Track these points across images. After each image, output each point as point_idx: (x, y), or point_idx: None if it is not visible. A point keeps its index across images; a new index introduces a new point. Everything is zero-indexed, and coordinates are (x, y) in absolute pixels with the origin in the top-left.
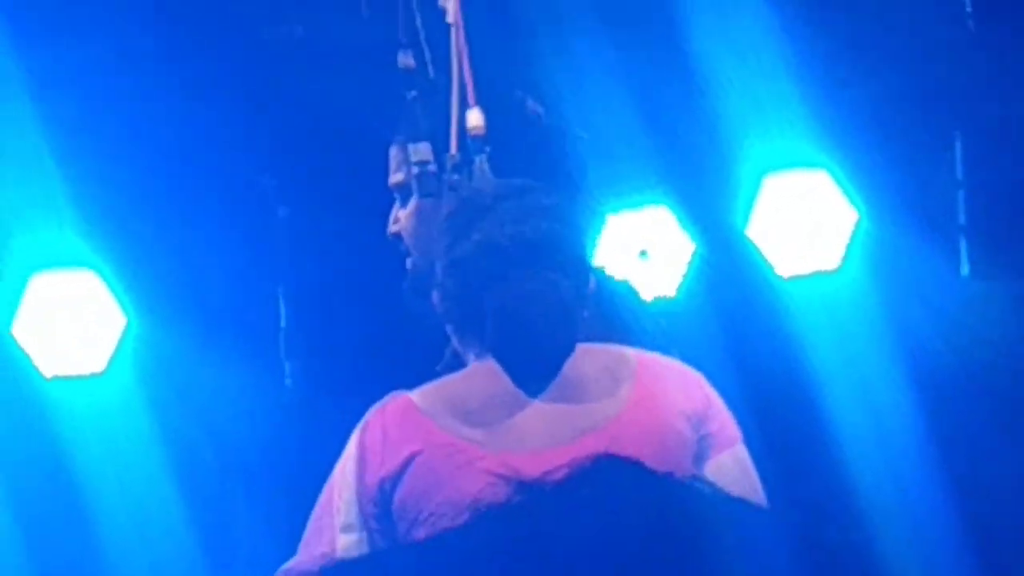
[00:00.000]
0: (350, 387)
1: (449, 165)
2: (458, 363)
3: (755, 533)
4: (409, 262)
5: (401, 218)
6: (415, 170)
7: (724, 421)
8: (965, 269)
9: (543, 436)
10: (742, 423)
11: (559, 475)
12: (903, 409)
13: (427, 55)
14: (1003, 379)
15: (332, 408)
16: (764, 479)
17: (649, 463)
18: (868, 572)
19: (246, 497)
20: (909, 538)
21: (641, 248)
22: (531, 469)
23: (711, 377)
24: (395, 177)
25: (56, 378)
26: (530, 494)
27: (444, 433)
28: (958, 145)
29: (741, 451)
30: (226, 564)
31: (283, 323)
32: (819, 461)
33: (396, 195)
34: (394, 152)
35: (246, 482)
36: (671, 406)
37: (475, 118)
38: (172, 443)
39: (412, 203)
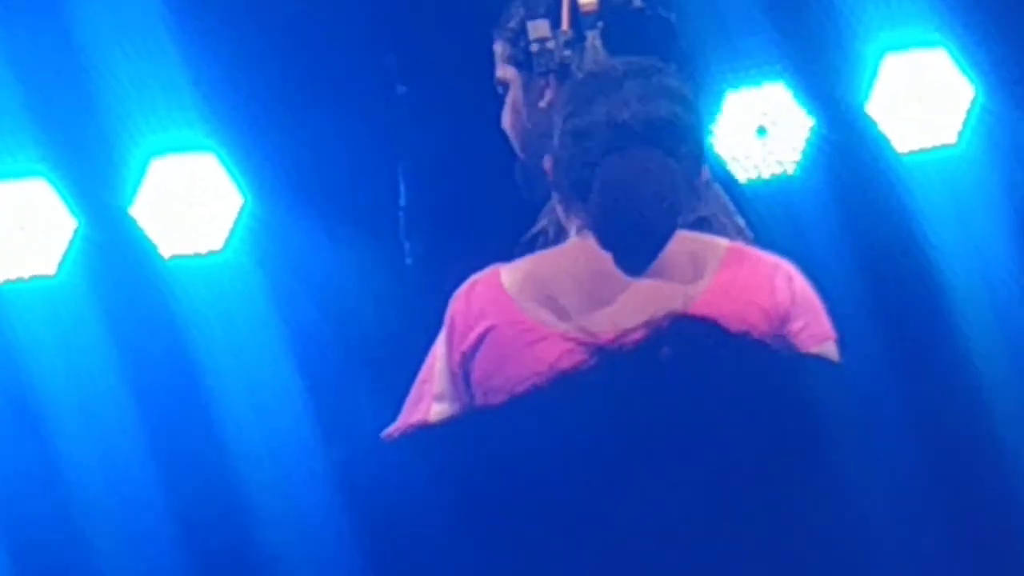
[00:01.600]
0: (470, 266)
1: (562, 41)
2: (543, 240)
3: (833, 391)
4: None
5: (506, 114)
6: (534, 47)
7: (810, 320)
8: None
9: (620, 314)
10: (858, 300)
11: (636, 335)
12: (1020, 280)
13: None
14: None
15: (453, 288)
16: (883, 354)
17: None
18: (968, 446)
19: (367, 378)
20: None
21: (759, 124)
22: (606, 334)
23: (826, 255)
24: (502, 71)
25: (175, 257)
26: (606, 356)
27: (521, 312)
28: None
29: (831, 348)
30: (347, 442)
31: (402, 202)
32: (935, 335)
33: (500, 90)
34: (499, 48)
35: (367, 362)
36: (750, 300)
37: None
38: (290, 323)
39: (512, 96)
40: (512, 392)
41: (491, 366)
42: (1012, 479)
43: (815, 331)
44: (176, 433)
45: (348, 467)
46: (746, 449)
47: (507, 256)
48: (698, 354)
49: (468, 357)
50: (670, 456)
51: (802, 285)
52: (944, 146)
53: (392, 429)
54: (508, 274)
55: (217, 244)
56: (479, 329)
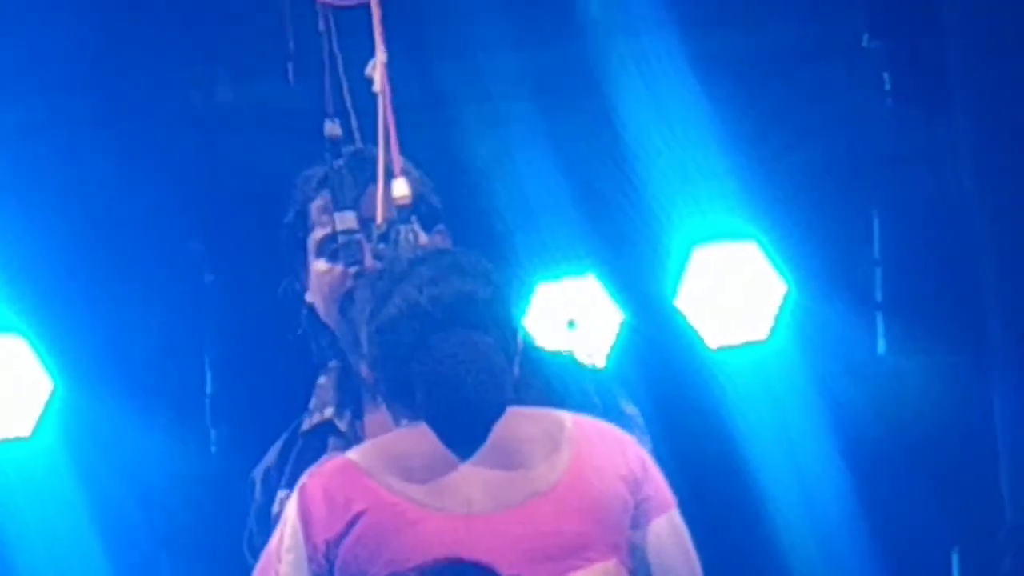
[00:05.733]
0: None
1: (375, 235)
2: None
3: None
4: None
5: (311, 283)
6: (341, 239)
7: (659, 485)
8: (882, 346)
9: (489, 499)
10: (674, 492)
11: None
12: (829, 475)
13: (354, 124)
14: (926, 450)
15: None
16: (698, 546)
17: (593, 527)
18: None
19: (171, 562)
20: None
21: (570, 318)
22: (470, 537)
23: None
24: (319, 233)
25: None
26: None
27: (388, 492)
28: (876, 223)
29: (676, 516)
30: None
31: (208, 390)
32: (749, 527)
33: (312, 252)
34: (317, 207)
35: (171, 547)
36: (610, 470)
37: (400, 188)
38: (99, 507)
39: (317, 267)
40: (396, 573)
41: (366, 552)
42: None
43: (665, 496)
44: None
45: None
46: None
47: None
48: None
49: (333, 546)
50: None
51: (644, 451)
52: (755, 342)
53: None
54: (360, 457)
55: (26, 431)
56: (350, 514)
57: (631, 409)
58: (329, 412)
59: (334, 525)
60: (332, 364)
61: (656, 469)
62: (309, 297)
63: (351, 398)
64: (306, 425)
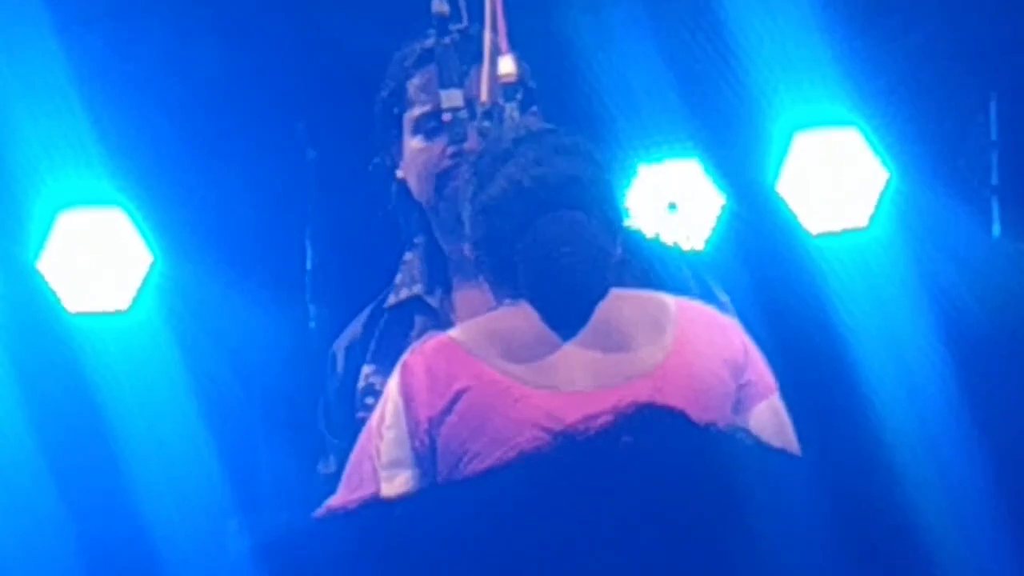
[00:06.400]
0: None
1: (479, 112)
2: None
3: (793, 484)
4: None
5: (404, 159)
6: (447, 116)
7: (762, 370)
8: (996, 229)
9: (589, 378)
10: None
11: (602, 421)
12: (933, 365)
13: (462, 2)
14: None
15: None
16: (797, 432)
17: (695, 410)
18: (896, 525)
19: (268, 436)
20: (940, 491)
21: (670, 200)
22: (575, 413)
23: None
24: (416, 110)
25: (80, 314)
26: (573, 443)
27: (491, 369)
28: (993, 106)
29: (777, 400)
30: (251, 500)
31: (309, 266)
32: (851, 415)
33: (408, 130)
34: (415, 85)
35: (269, 421)
36: (713, 354)
37: (507, 65)
38: (197, 381)
39: (412, 144)
40: (481, 465)
41: (468, 429)
42: (932, 560)
43: (768, 381)
44: (87, 491)
45: (273, 547)
46: (698, 541)
47: None
48: (659, 445)
49: (436, 423)
50: (625, 543)
51: (746, 335)
52: (856, 229)
53: (334, 501)
54: (463, 335)
55: (125, 304)
56: (451, 391)
57: (723, 296)
58: (418, 288)
59: (436, 402)
60: (418, 240)
61: (758, 354)
62: (400, 173)
63: (440, 275)
64: (392, 300)
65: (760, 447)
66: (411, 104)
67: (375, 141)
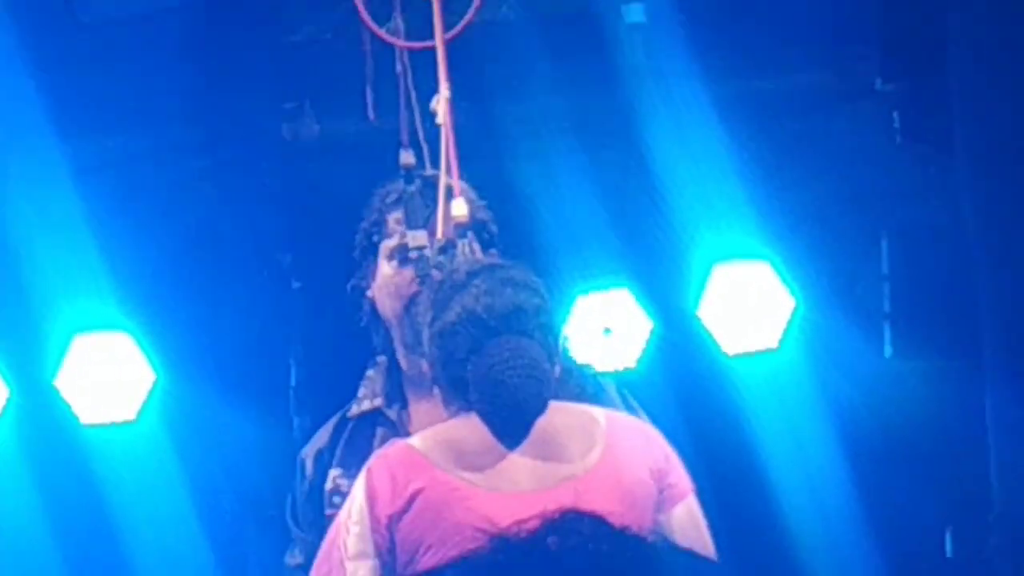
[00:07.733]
0: None
1: (435, 249)
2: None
3: None
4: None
5: (376, 282)
6: (413, 254)
7: (680, 475)
8: (888, 351)
9: (532, 481)
10: (693, 482)
11: (531, 525)
12: (833, 471)
13: (426, 153)
14: (923, 446)
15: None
16: (713, 529)
17: (620, 511)
18: None
19: (258, 532)
20: None
21: (605, 325)
22: (510, 517)
23: (667, 439)
24: (393, 241)
25: (92, 425)
26: (507, 544)
27: (445, 473)
28: (884, 244)
29: (693, 502)
30: None
31: (293, 382)
32: (760, 514)
33: (383, 256)
34: (395, 218)
35: (258, 519)
36: (638, 460)
37: (460, 207)
38: (194, 483)
39: (385, 269)
40: (441, 550)
41: (423, 525)
42: None
43: (685, 485)
44: None
45: None
46: None
47: None
48: (580, 547)
49: (395, 520)
50: None
51: (667, 443)
52: (767, 350)
53: None
54: (419, 442)
55: (131, 416)
56: (407, 494)
57: (641, 413)
58: (379, 401)
59: (396, 501)
60: (380, 359)
61: (677, 460)
62: (370, 293)
63: (398, 390)
64: (354, 411)
65: (672, 549)
66: (390, 234)
67: (353, 265)
